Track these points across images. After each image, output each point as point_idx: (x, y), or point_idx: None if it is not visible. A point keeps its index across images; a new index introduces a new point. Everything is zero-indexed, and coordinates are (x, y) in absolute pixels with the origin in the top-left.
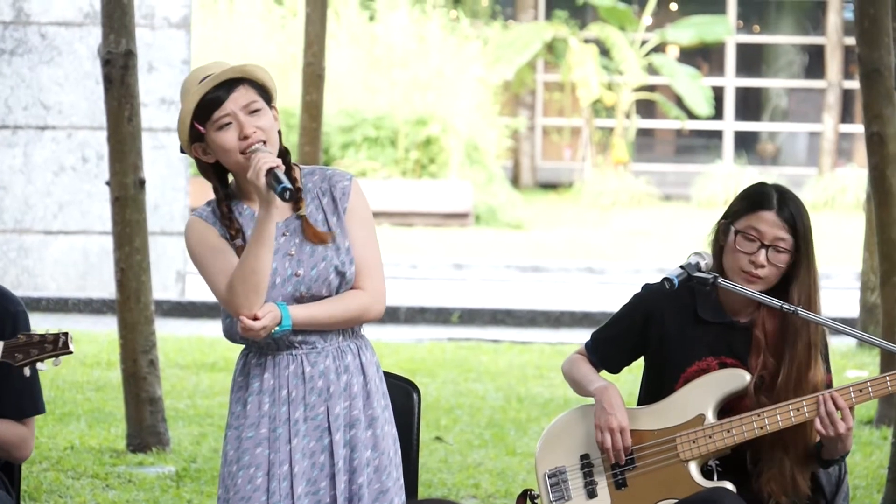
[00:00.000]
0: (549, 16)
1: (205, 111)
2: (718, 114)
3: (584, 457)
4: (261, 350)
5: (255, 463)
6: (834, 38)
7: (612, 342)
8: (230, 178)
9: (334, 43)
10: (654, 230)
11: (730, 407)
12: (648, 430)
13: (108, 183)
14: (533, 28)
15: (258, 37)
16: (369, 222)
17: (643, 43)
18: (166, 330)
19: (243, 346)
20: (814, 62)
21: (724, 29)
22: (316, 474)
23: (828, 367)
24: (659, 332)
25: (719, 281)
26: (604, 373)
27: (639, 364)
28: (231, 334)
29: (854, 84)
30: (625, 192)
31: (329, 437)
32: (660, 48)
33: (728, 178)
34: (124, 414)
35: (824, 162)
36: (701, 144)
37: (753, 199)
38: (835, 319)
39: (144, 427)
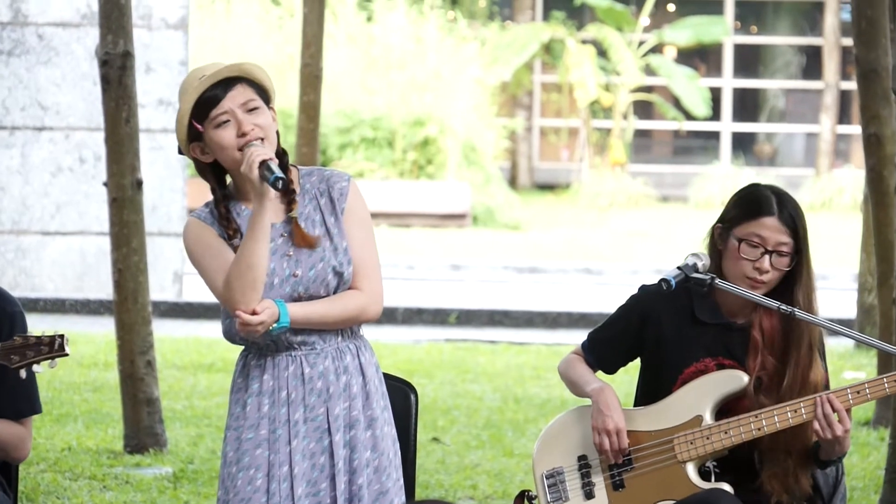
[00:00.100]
0: (546, 17)
1: (203, 109)
2: (716, 115)
3: (582, 458)
4: (260, 351)
5: (254, 464)
6: (831, 39)
7: (608, 343)
8: (228, 179)
9: (332, 43)
10: (651, 231)
11: (728, 408)
12: (646, 431)
13: (105, 184)
14: (530, 29)
15: (255, 37)
16: (367, 223)
17: (640, 44)
18: (164, 331)
19: (242, 347)
20: (811, 63)
21: (722, 30)
22: (316, 475)
23: (824, 365)
24: (656, 333)
25: (716, 282)
26: (600, 373)
27: (635, 365)
28: (231, 335)
29: (851, 85)
30: (622, 193)
31: (329, 438)
32: (657, 49)
33: (725, 178)
34: (121, 415)
35: (821, 163)
36: (698, 145)
37: (752, 204)
38: (832, 320)
39: (142, 428)
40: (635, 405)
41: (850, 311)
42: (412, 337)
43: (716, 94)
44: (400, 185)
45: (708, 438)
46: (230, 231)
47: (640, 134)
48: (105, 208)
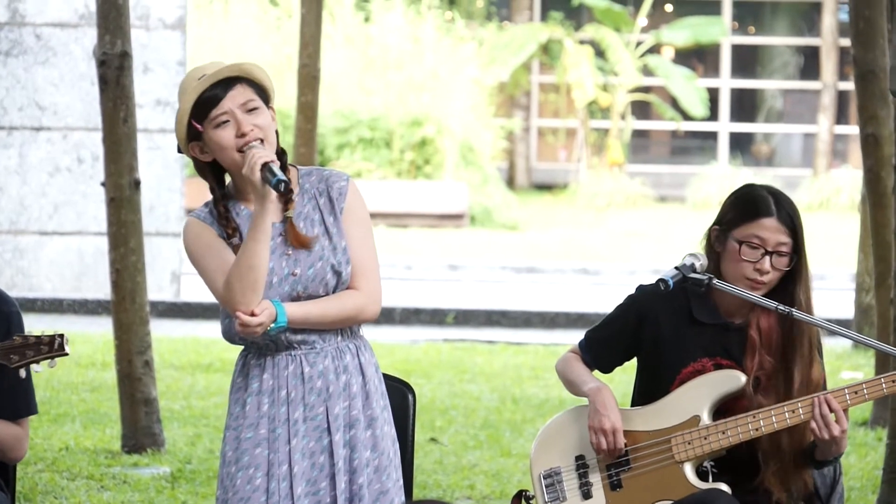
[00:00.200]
0: (544, 17)
1: (202, 109)
2: (713, 115)
3: (579, 458)
4: (260, 351)
5: (254, 463)
6: (829, 40)
7: (605, 343)
8: (227, 179)
9: (329, 44)
10: (649, 231)
11: (726, 408)
12: (643, 431)
13: (103, 184)
14: (528, 29)
15: (253, 38)
16: (366, 223)
17: (638, 44)
18: (161, 331)
19: (242, 347)
20: (809, 63)
21: (720, 30)
22: (316, 475)
23: (822, 365)
24: (653, 333)
25: (714, 282)
26: (596, 373)
27: (632, 364)
28: (230, 335)
29: (849, 85)
30: (620, 194)
31: (329, 437)
32: (655, 49)
33: (723, 179)
34: (119, 415)
35: (819, 163)
36: (696, 146)
37: (750, 205)
38: (830, 321)
39: (139, 428)
40: (633, 405)
41: (848, 312)
42: (410, 337)
43: (713, 94)
44: (397, 186)
45: (705, 438)
46: (229, 230)
47: (638, 134)
48: (103, 208)
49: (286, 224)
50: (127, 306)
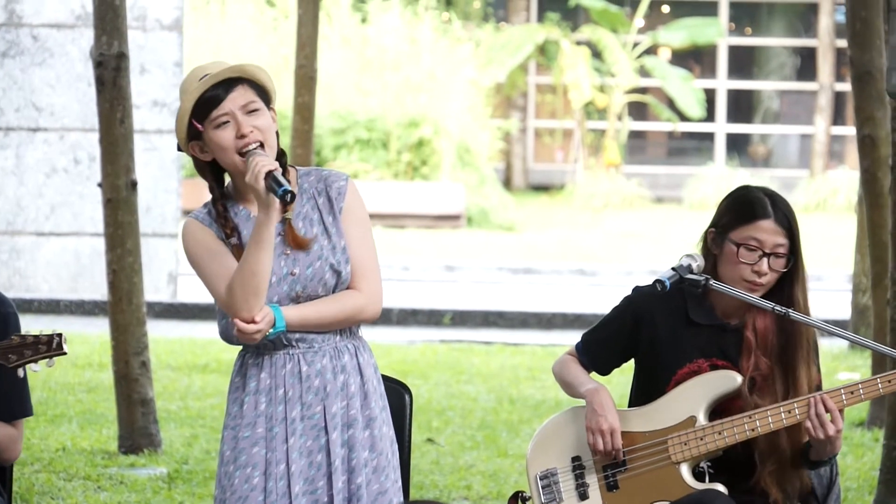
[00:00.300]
0: (541, 18)
1: (203, 109)
2: (710, 116)
3: (576, 458)
4: (258, 350)
5: (251, 462)
6: (826, 41)
7: (602, 344)
8: (227, 179)
9: (326, 45)
10: (645, 232)
11: (722, 409)
12: (640, 431)
13: (100, 185)
14: (525, 30)
15: (250, 38)
16: (365, 222)
17: (635, 45)
18: (158, 331)
19: (239, 347)
20: (806, 64)
21: (716, 31)
22: (313, 473)
23: (818, 366)
24: (650, 334)
25: (711, 283)
26: (594, 374)
27: (629, 365)
28: (227, 335)
29: (846, 86)
30: (616, 194)
31: (326, 436)
32: (652, 50)
33: (720, 180)
34: (116, 415)
35: (816, 164)
36: (693, 146)
37: (747, 207)
38: (826, 321)
39: (136, 428)
40: (629, 406)
41: (845, 312)
42: (407, 338)
43: (710, 95)
44: (394, 186)
45: (702, 439)
46: (228, 230)
47: (635, 135)
48: (99, 209)
49: (285, 225)
50: (124, 307)
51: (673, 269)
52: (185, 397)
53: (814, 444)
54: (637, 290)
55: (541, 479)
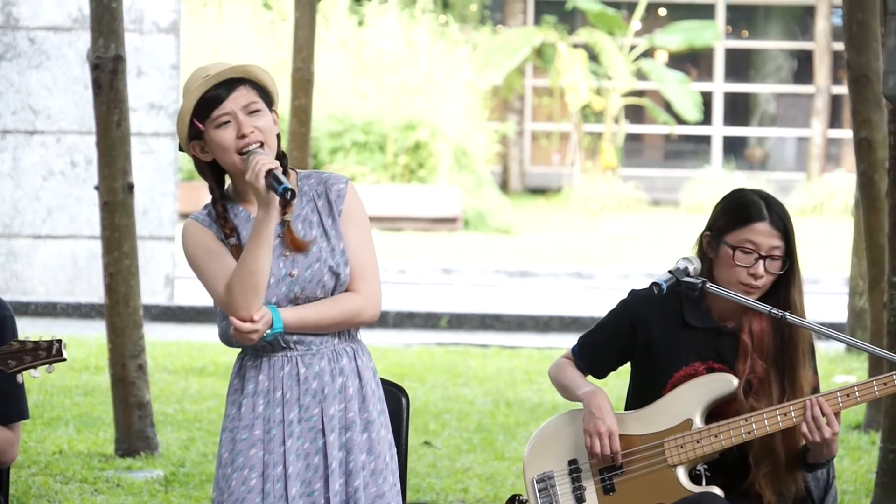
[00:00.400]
0: (537, 21)
1: (205, 108)
2: (707, 119)
3: (573, 462)
4: (256, 352)
5: (249, 464)
6: (822, 44)
7: (598, 348)
8: (227, 180)
9: (323, 48)
10: (642, 235)
11: (718, 411)
12: (636, 434)
13: (96, 187)
14: (522, 33)
15: (247, 41)
16: (365, 225)
17: (632, 48)
18: (155, 334)
19: (239, 349)
20: (802, 67)
21: (713, 34)
22: (310, 476)
23: (815, 368)
24: (646, 337)
25: (708, 286)
26: (590, 378)
27: (626, 368)
28: (227, 338)
29: (842, 89)
30: (613, 197)
31: (323, 438)
32: (648, 53)
33: (716, 183)
34: (113, 418)
35: (813, 167)
36: (689, 149)
37: (742, 210)
38: (823, 324)
39: (133, 431)
40: (626, 409)
41: (842, 315)
42: (403, 340)
43: (707, 98)
44: (391, 189)
45: (698, 442)
46: (227, 230)
47: (632, 138)
48: (96, 212)
49: (284, 227)
50: (120, 310)
51: (670, 272)
52: (181, 400)
53: (811, 447)
54: (633, 293)
55: (538, 483)
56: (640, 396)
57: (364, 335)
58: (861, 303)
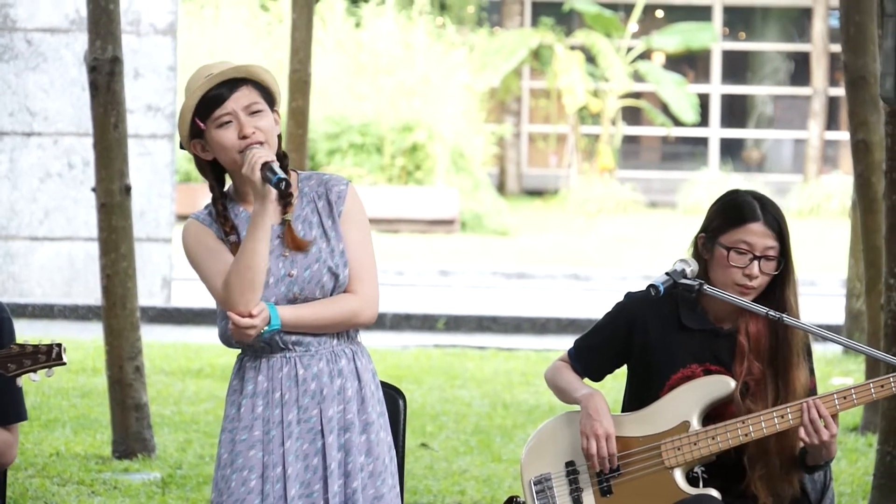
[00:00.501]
0: (535, 23)
1: (206, 108)
2: (704, 121)
3: (570, 464)
4: (255, 353)
5: (248, 465)
6: (819, 46)
7: (595, 350)
8: (227, 180)
9: (320, 49)
10: (639, 237)
11: (716, 413)
12: (633, 436)
13: (93, 189)
14: (519, 35)
15: (244, 43)
16: (365, 226)
17: (629, 50)
18: (152, 336)
19: (238, 350)
20: (799, 69)
21: (710, 36)
22: (309, 477)
23: (811, 370)
24: (642, 340)
25: (705, 288)
26: (586, 380)
27: (623, 371)
28: (226, 338)
29: (840, 91)
30: (610, 199)
31: (322, 439)
32: (646, 55)
33: (713, 184)
34: (110, 420)
35: (810, 169)
36: (686, 151)
37: (736, 211)
38: (820, 326)
39: (130, 433)
40: (623, 411)
41: (839, 317)
42: (400, 342)
43: (704, 100)
44: (388, 191)
45: (695, 444)
46: (227, 228)
47: (629, 140)
48: (93, 214)
49: (284, 227)
50: (117, 312)
51: (667, 273)
52: (178, 402)
53: (809, 449)
54: (629, 295)
55: (535, 485)
56: (636, 399)
57: (361, 337)
58: (858, 305)
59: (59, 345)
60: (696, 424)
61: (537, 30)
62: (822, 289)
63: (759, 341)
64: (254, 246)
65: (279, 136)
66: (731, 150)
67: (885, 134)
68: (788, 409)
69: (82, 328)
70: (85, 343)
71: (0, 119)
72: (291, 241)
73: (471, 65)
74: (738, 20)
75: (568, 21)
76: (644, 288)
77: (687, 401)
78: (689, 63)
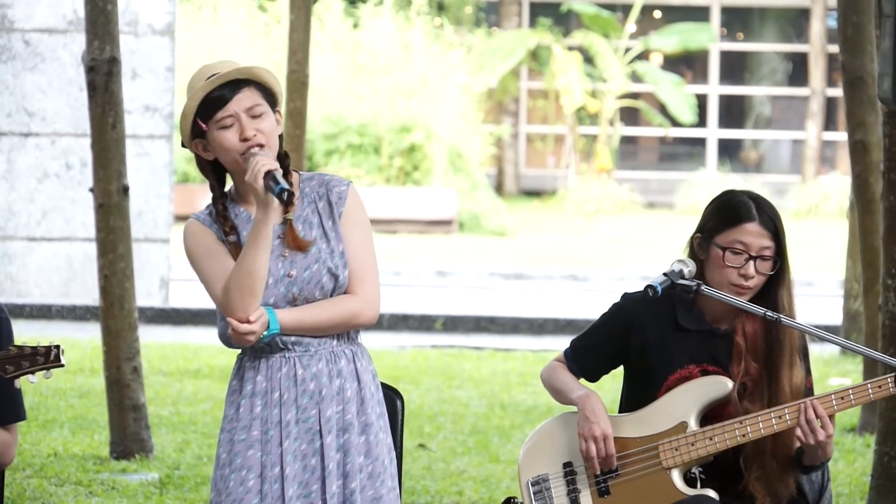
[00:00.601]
0: (532, 23)
1: (209, 109)
2: (702, 121)
3: (567, 464)
4: (255, 353)
5: (247, 465)
6: (817, 46)
7: (591, 351)
8: (228, 180)
9: (318, 50)
10: (637, 237)
11: (713, 414)
12: (631, 437)
13: (91, 190)
14: (517, 35)
15: (242, 44)
16: (365, 227)
17: (627, 50)
18: (150, 337)
19: (238, 350)
20: (797, 70)
21: (708, 36)
22: (307, 477)
23: (808, 370)
24: (639, 341)
25: (702, 288)
26: (582, 381)
27: (620, 371)
28: (226, 338)
29: (837, 92)
30: (608, 200)
31: (320, 440)
32: (643, 56)
33: (711, 185)
34: (108, 421)
35: (807, 169)
36: (684, 152)
37: (732, 211)
38: (818, 327)
39: (128, 434)
40: (620, 412)
41: (836, 318)
42: (398, 343)
43: (702, 100)
44: (386, 192)
45: (693, 445)
46: (227, 228)
47: (627, 140)
48: (91, 214)
49: (286, 226)
50: (115, 312)
51: (665, 274)
52: (176, 403)
53: (806, 449)
54: (626, 296)
55: (532, 485)
56: (633, 399)
57: (361, 338)
58: (856, 305)
59: (58, 346)
60: (693, 425)
61: (535, 30)
62: (820, 289)
63: (756, 342)
64: (255, 252)
65: (280, 136)
66: (729, 150)
67: (883, 134)
68: (786, 410)
69: (80, 328)
70: (83, 343)
71: None
72: (292, 241)
73: (468, 65)
74: (735, 21)
75: (566, 21)
76: (642, 288)
77: (684, 401)
78: (686, 63)
